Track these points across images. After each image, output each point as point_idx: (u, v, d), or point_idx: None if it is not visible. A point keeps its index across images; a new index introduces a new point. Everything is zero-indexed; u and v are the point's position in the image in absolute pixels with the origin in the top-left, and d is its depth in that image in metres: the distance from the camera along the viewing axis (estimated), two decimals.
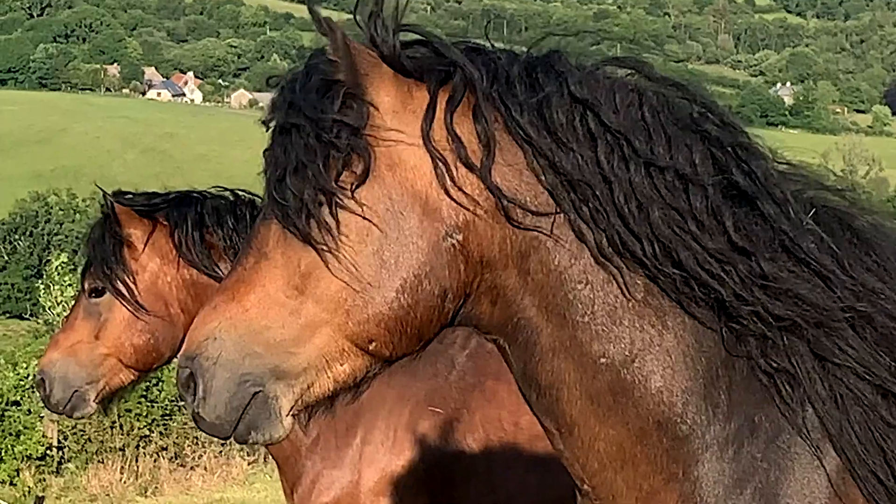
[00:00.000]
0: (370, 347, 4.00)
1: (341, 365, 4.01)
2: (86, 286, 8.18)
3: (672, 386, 4.02)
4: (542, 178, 3.99)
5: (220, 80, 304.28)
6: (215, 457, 23.22)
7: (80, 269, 8.52)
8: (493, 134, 3.98)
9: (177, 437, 23.60)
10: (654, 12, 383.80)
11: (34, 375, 8.39)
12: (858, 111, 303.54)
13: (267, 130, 4.15)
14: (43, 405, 8.43)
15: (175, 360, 8.32)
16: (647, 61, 4.20)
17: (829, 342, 4.01)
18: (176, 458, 23.56)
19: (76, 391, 8.12)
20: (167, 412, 24.18)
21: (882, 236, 4.25)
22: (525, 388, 4.26)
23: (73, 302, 8.56)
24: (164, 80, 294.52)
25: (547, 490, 7.82)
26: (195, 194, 8.25)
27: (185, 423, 23.71)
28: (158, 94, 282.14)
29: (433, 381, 8.07)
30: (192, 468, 23.19)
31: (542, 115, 3.99)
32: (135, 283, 8.04)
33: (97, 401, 8.17)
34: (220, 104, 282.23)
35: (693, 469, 4.05)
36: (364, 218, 3.94)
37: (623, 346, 4.02)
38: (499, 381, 8.00)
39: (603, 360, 4.02)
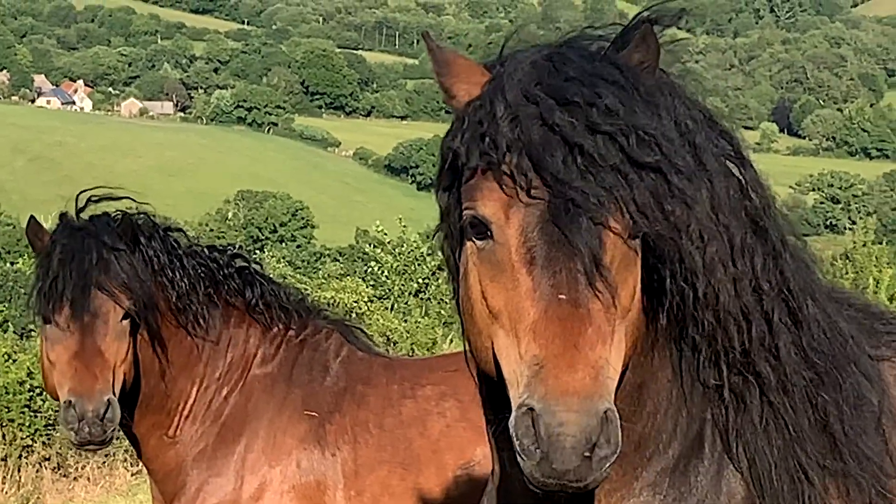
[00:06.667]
0: None
1: None
2: (110, 309, 7.72)
3: None
4: None
5: (110, 89, 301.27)
6: (98, 467, 23.02)
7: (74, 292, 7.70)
8: None
9: (60, 448, 23.35)
10: (545, 27, 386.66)
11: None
12: (747, 128, 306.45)
13: None
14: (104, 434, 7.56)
15: None
16: None
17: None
18: (59, 469, 23.32)
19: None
20: (50, 422, 23.94)
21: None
22: None
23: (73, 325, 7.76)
24: (54, 87, 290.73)
25: (409, 492, 8.00)
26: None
27: None
28: (48, 102, 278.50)
29: (309, 387, 8.25)
30: (75, 478, 22.95)
31: None
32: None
33: None
34: (109, 113, 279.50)
35: None
36: None
37: None
38: (368, 385, 8.25)
39: None
